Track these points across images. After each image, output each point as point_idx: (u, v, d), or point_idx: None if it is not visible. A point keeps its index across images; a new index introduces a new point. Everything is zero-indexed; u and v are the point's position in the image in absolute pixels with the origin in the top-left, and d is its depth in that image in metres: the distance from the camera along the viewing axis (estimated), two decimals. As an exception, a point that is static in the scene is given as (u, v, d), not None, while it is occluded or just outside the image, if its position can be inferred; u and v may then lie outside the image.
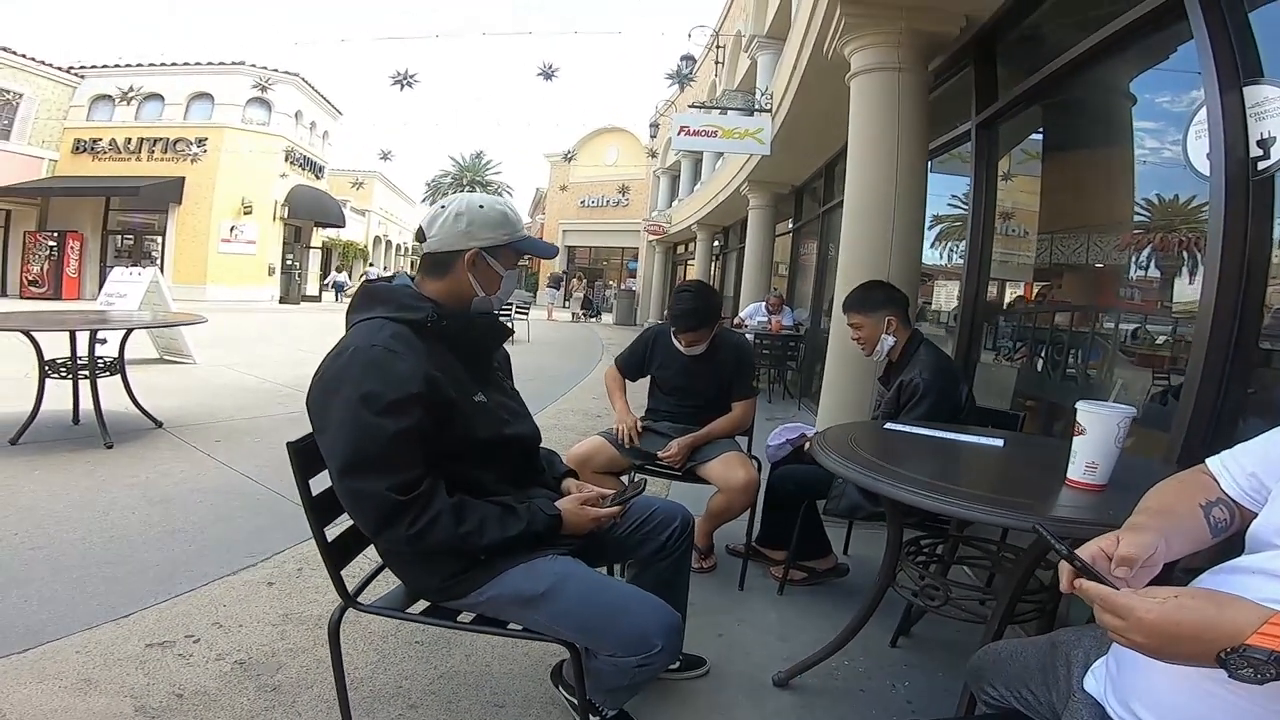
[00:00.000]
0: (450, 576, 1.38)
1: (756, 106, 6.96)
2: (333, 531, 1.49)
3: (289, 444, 1.41)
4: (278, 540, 2.73)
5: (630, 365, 2.93)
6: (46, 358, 3.98)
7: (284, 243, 19.59)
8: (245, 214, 17.58)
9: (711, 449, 2.66)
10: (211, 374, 6.55)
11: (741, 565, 2.64)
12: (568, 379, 8.00)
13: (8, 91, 15.56)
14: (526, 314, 13.40)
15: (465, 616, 1.46)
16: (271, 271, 18.83)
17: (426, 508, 1.26)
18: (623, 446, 2.67)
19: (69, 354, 3.95)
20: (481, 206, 1.44)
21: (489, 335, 1.54)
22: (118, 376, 4.22)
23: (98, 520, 2.79)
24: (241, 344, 8.71)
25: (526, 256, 1.56)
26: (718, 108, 7.60)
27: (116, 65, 17.44)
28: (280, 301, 18.85)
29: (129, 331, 4.35)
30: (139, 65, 17.49)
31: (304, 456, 1.41)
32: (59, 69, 16.76)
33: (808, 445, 2.50)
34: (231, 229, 17.49)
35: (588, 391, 7.18)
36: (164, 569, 2.40)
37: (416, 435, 1.27)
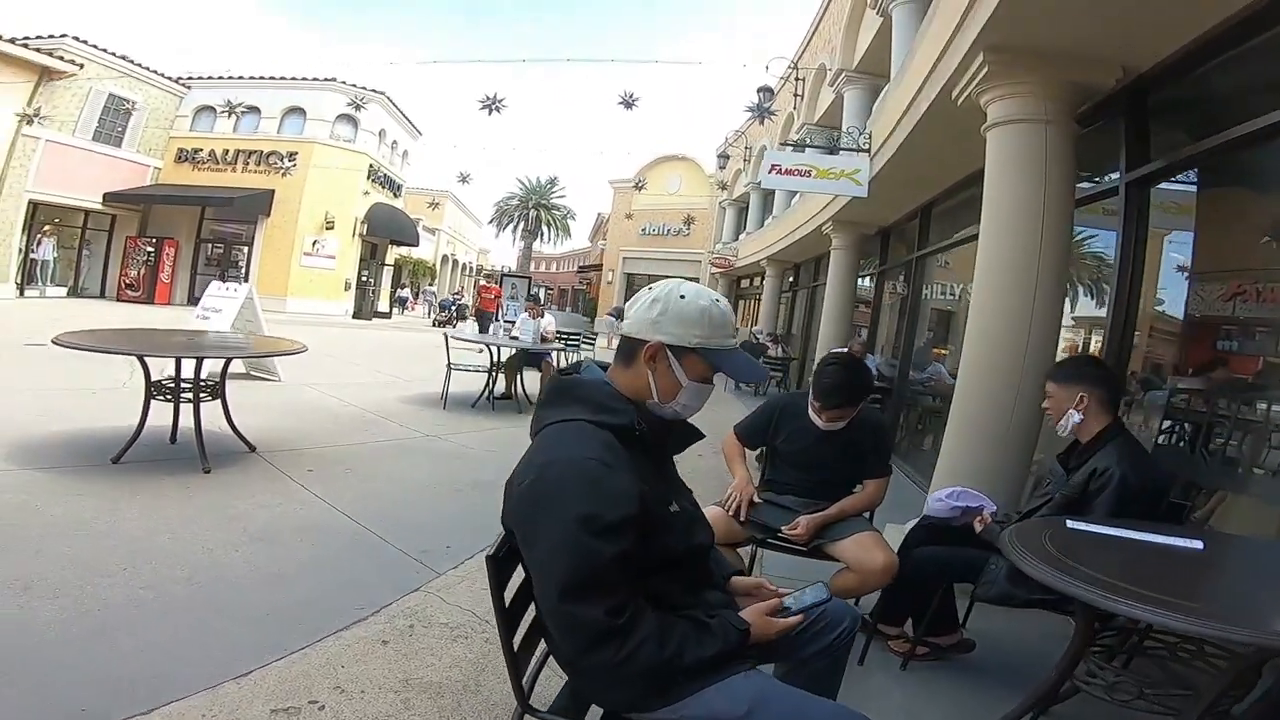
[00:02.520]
0: (641, 695, 1.25)
1: (854, 146, 6.73)
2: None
3: (489, 557, 1.31)
4: (384, 592, 2.65)
5: (751, 434, 2.81)
6: (153, 378, 4.04)
7: (361, 259, 20.10)
8: (328, 229, 18.10)
9: (843, 527, 2.51)
10: (295, 393, 6.65)
11: (864, 641, 2.46)
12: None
13: (126, 100, 16.34)
14: (593, 346, 13.38)
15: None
16: (348, 287, 19.30)
17: (634, 632, 1.17)
18: (739, 519, 2.56)
19: (173, 376, 4.01)
20: (682, 297, 1.31)
21: (683, 440, 1.43)
22: (218, 400, 4.26)
23: (203, 558, 2.74)
24: (324, 362, 8.78)
25: (710, 369, 1.35)
26: (814, 146, 7.44)
27: (220, 77, 18.29)
28: (354, 316, 19.28)
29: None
30: (240, 78, 18.28)
31: (502, 571, 1.33)
32: (169, 79, 17.53)
33: (980, 526, 2.35)
34: (314, 243, 18.02)
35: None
36: (275, 619, 2.33)
37: (629, 556, 1.19)
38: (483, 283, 20.16)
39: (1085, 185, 3.96)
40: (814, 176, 6.74)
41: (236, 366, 6.99)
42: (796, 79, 11.66)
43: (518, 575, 1.35)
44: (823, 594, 1.47)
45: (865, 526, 2.54)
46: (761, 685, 1.28)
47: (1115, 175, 3.69)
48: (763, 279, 16.09)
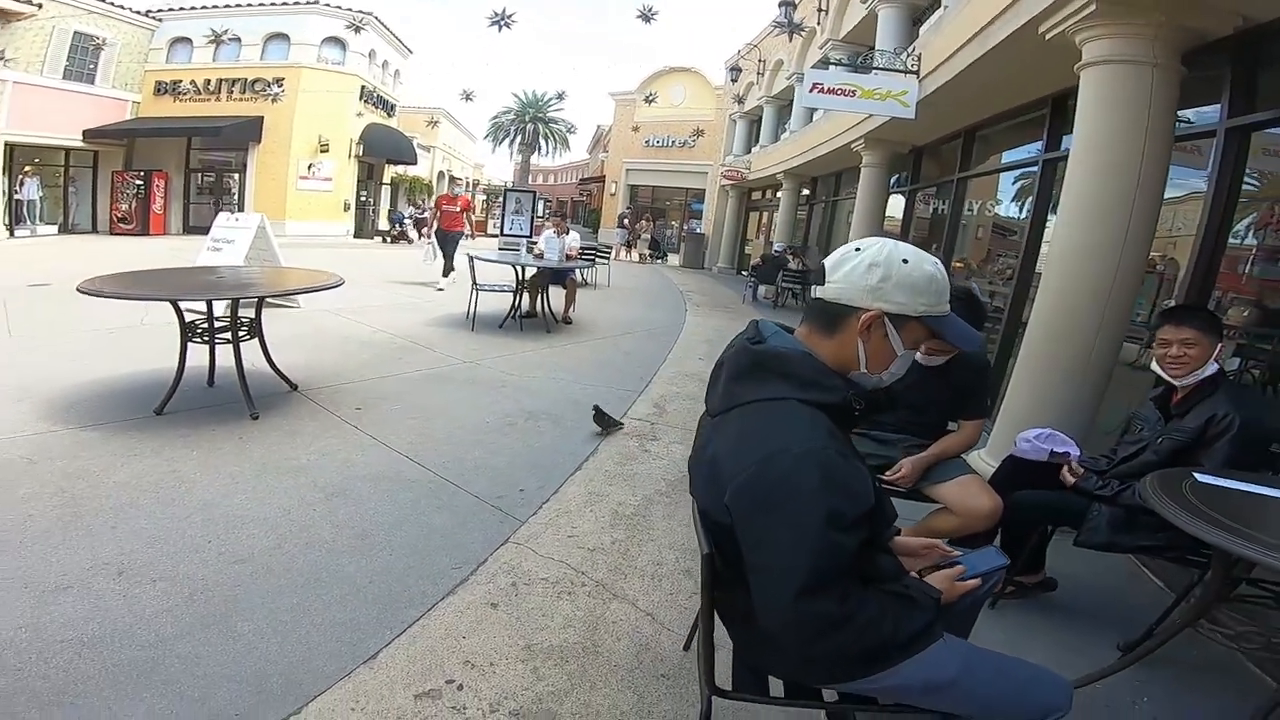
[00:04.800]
0: (851, 672, 1.21)
1: (901, 67, 6.35)
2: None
3: (705, 556, 1.23)
4: (474, 546, 2.54)
5: None
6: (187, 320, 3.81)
7: (358, 180, 19.64)
8: (322, 152, 17.54)
9: (944, 469, 2.38)
10: (319, 321, 6.43)
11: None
12: (665, 334, 7.67)
13: (94, 37, 15.61)
14: (609, 259, 13.04)
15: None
16: (347, 207, 18.94)
17: (858, 616, 1.11)
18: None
19: (207, 316, 3.79)
20: (905, 261, 1.18)
21: (877, 410, 1.28)
22: (256, 339, 4.05)
23: (281, 519, 2.60)
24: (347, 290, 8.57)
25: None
26: (842, 65, 7.00)
27: (193, 8, 17.41)
28: (354, 236, 19.04)
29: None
30: (215, 7, 17.39)
31: (715, 569, 1.25)
32: (137, 13, 16.76)
33: (1073, 478, 2.30)
34: (309, 167, 17.48)
35: (690, 351, 6.85)
36: (378, 586, 2.20)
37: (863, 545, 1.14)
38: (447, 193, 12.07)
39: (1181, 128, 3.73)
40: (858, 96, 6.45)
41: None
42: None
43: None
44: (1001, 559, 1.51)
45: (966, 469, 2.41)
46: (962, 649, 1.26)
47: (1214, 118, 3.54)
48: (776, 192, 15.55)
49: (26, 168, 14.95)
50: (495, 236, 18.68)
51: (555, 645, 2.01)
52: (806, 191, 14.61)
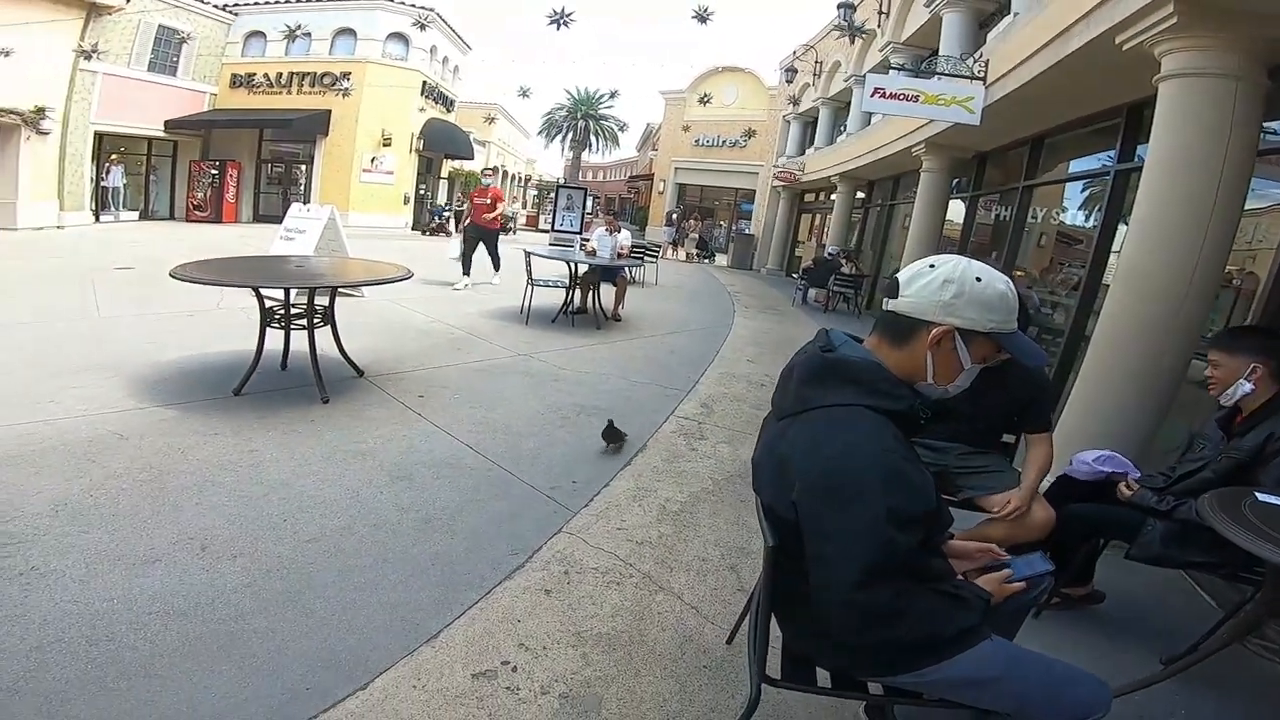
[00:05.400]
0: (899, 664, 1.28)
1: (967, 73, 6.24)
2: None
3: (769, 548, 1.31)
4: (530, 534, 2.65)
5: None
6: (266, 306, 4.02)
7: (418, 173, 20.15)
8: (385, 146, 18.06)
9: (996, 479, 2.35)
10: (381, 309, 6.69)
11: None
12: (713, 334, 7.66)
13: (177, 31, 16.37)
14: (657, 257, 13.10)
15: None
16: (406, 200, 19.44)
17: (911, 610, 1.17)
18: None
19: (285, 304, 4.00)
20: (979, 279, 1.24)
21: (941, 419, 1.32)
22: (329, 327, 4.26)
23: (350, 501, 2.75)
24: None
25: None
26: (904, 70, 6.88)
27: (267, 2, 18.09)
28: (412, 229, 19.57)
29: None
30: (287, 1, 18.00)
31: (777, 556, 1.32)
32: (216, 7, 17.51)
33: (1129, 492, 2.31)
34: (373, 160, 18.03)
35: (738, 352, 6.85)
36: (440, 569, 2.32)
37: (922, 544, 1.21)
38: (484, 184, 9.73)
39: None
40: (921, 102, 6.30)
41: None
42: None
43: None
44: (1045, 565, 1.56)
45: (1019, 480, 2.36)
46: (1008, 648, 1.31)
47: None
48: (830, 194, 15.34)
49: (113, 156, 15.83)
50: (546, 232, 18.99)
51: (603, 633, 2.09)
52: (862, 195, 14.37)
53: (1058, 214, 6.55)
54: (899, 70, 7.38)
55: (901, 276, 1.28)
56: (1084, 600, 2.52)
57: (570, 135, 39.92)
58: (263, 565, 2.24)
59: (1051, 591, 2.35)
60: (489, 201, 9.17)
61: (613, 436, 3.57)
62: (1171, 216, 3.21)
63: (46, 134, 13.08)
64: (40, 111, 12.78)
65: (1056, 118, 6.02)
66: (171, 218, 17.27)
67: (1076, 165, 6.25)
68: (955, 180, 8.91)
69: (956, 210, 9.16)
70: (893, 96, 6.34)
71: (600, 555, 2.55)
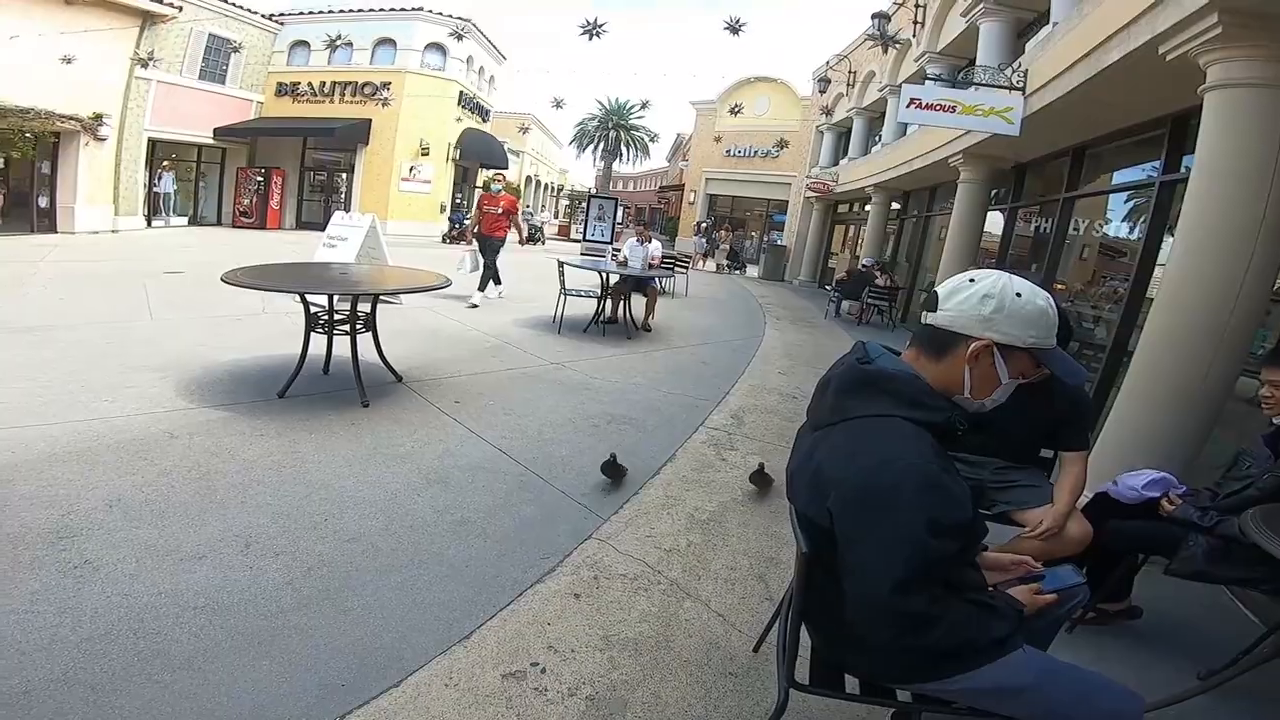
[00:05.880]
0: (930, 672, 1.30)
1: (1006, 83, 6.19)
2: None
3: (803, 555, 1.33)
4: (561, 538, 2.70)
5: None
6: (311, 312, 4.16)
7: (454, 182, 20.49)
8: (423, 155, 18.42)
9: (1031, 494, 2.32)
10: (417, 316, 6.84)
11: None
12: (743, 346, 7.64)
13: (227, 40, 16.93)
14: (687, 268, 13.12)
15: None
16: (443, 209, 19.76)
17: (944, 617, 1.18)
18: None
19: (328, 310, 4.13)
20: (1019, 295, 1.25)
21: (978, 431, 1.36)
22: (370, 333, 4.38)
23: (388, 503, 2.83)
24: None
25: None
26: (939, 80, 6.84)
27: (310, 12, 18.63)
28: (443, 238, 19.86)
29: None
30: (329, 12, 18.52)
31: (811, 566, 1.34)
32: (264, 17, 18.04)
33: (1171, 507, 2.28)
34: (410, 169, 18.40)
35: (769, 364, 6.82)
36: (475, 572, 2.37)
37: (959, 553, 1.22)
38: (491, 191, 8.50)
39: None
40: (959, 112, 6.33)
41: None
42: (917, 5, 10.75)
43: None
44: (1076, 577, 1.58)
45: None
46: (1039, 659, 1.31)
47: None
48: (865, 205, 15.22)
49: (165, 162, 16.42)
50: (578, 242, 19.13)
51: (631, 638, 2.12)
52: (897, 205, 14.22)
53: (1100, 226, 6.42)
54: (935, 80, 7.31)
55: (941, 290, 1.30)
56: (1120, 616, 2.50)
57: (602, 145, 40.24)
58: (303, 563, 2.32)
59: (1087, 606, 2.35)
60: (500, 211, 8.19)
61: (613, 472, 3.26)
62: (1219, 228, 3.15)
63: (104, 140, 13.64)
64: (98, 118, 13.33)
65: (1099, 128, 5.93)
66: (219, 223, 17.83)
67: (1120, 176, 6.14)
68: (994, 191, 8.79)
69: (995, 222, 9.02)
70: (929, 107, 6.31)
71: (629, 562, 2.58)
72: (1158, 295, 3.56)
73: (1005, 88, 6.18)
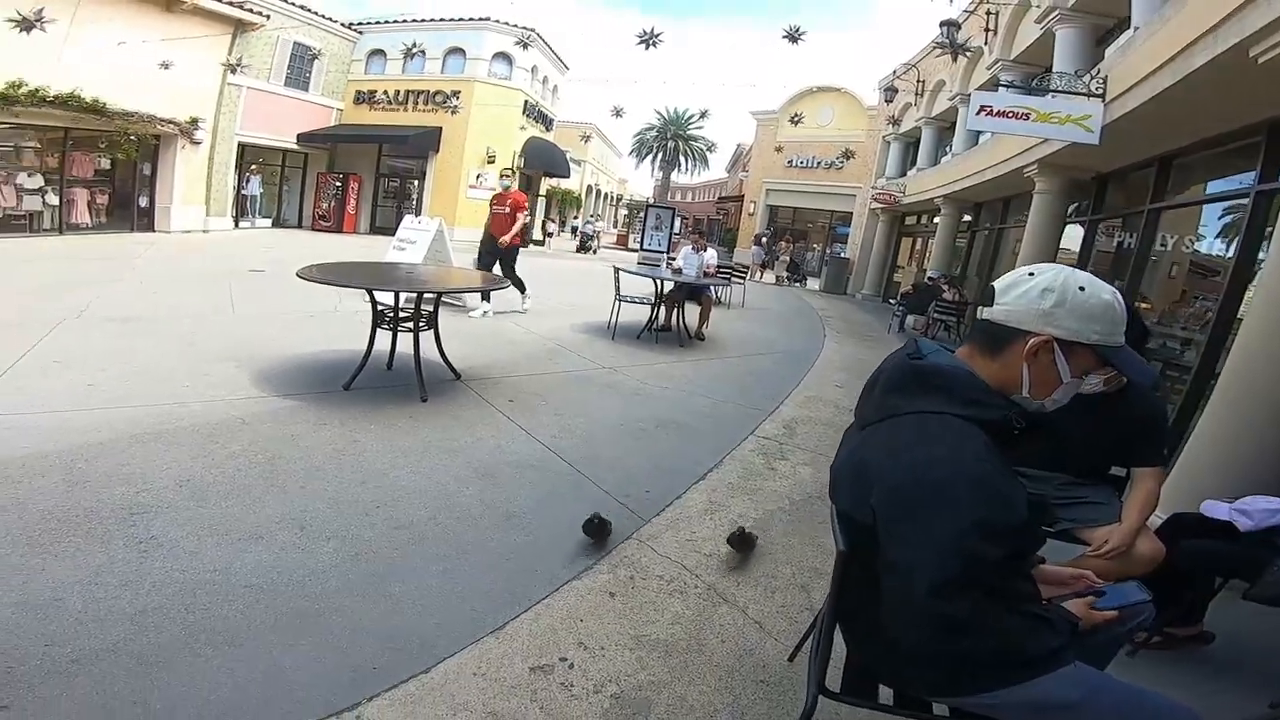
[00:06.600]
0: (972, 683, 1.19)
1: (1084, 90, 5.94)
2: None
3: (840, 554, 1.30)
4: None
5: None
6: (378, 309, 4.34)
7: (519, 190, 20.85)
8: (489, 163, 18.89)
9: (1097, 511, 2.20)
10: (479, 319, 7.03)
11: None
12: (800, 358, 7.51)
13: (309, 48, 17.85)
14: (744, 279, 13.02)
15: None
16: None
17: (988, 625, 1.09)
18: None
19: (393, 307, 4.29)
20: (1082, 289, 1.18)
21: (1037, 429, 1.24)
22: (432, 331, 4.53)
23: (438, 494, 2.91)
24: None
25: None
26: (1013, 87, 6.60)
27: (386, 21, 19.44)
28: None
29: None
30: (403, 21, 19.25)
31: (848, 564, 1.30)
32: (343, 25, 18.89)
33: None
34: (478, 176, 18.85)
35: (826, 378, 6.67)
36: (515, 564, 2.41)
37: (1008, 559, 1.13)
38: (503, 188, 7.71)
39: None
40: (1033, 120, 6.06)
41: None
42: (988, 13, 10.46)
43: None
44: (1141, 594, 1.48)
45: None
46: (1090, 675, 1.21)
47: None
48: (934, 217, 14.77)
49: (253, 166, 17.41)
50: (635, 251, 19.26)
51: (662, 639, 2.11)
52: (968, 218, 13.76)
53: (1191, 241, 6.03)
54: (1008, 87, 7.05)
55: (998, 284, 1.24)
56: (1191, 641, 2.35)
57: (660, 155, 40.45)
58: (352, 548, 2.40)
59: (1151, 629, 2.22)
60: (507, 211, 7.31)
61: (596, 532, 2.66)
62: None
63: (199, 144, 14.55)
64: (194, 122, 14.23)
65: (1188, 135, 5.60)
66: (299, 226, 18.77)
67: (1213, 187, 5.76)
68: (1073, 204, 8.39)
69: (1073, 236, 8.60)
70: (1001, 114, 6.09)
71: (667, 564, 2.57)
72: (1250, 310, 3.37)
73: (1084, 94, 5.91)
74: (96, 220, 13.21)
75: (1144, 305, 6.40)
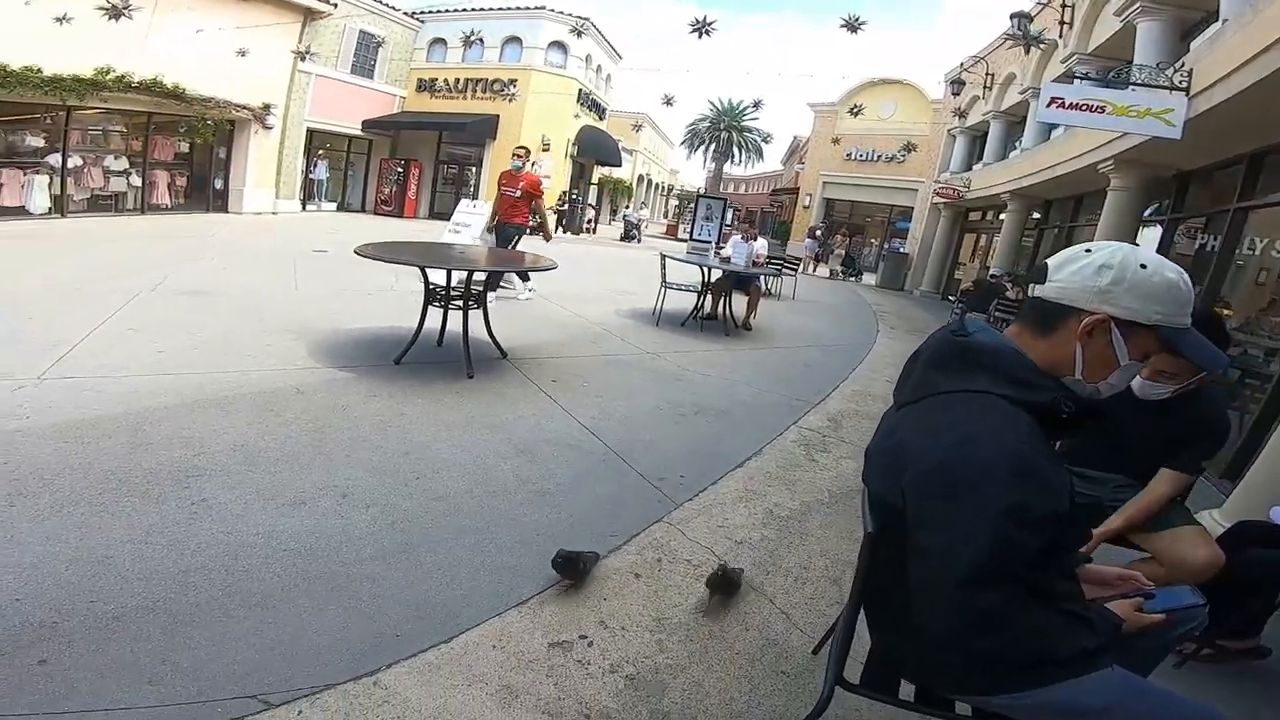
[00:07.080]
0: (1001, 682, 1.10)
1: (1166, 83, 5.60)
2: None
3: (867, 535, 1.25)
4: (632, 518, 2.73)
5: None
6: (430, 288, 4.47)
7: (571, 178, 21.11)
8: (544, 151, 19.02)
9: (1163, 517, 2.06)
10: (529, 303, 7.13)
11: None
12: (850, 352, 7.34)
13: (374, 36, 18.37)
14: (795, 271, 12.79)
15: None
16: (562, 203, 20.35)
17: (1020, 620, 1.02)
18: None
19: (445, 286, 4.40)
20: (1143, 266, 1.09)
21: (1089, 416, 1.16)
22: (481, 310, 4.63)
23: (477, 468, 2.97)
24: (548, 274, 9.28)
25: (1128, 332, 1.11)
26: (1089, 80, 6.27)
27: (446, 11, 19.84)
28: (563, 232, 20.51)
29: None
30: (462, 10, 19.59)
31: (876, 551, 1.26)
32: (406, 14, 19.32)
33: None
34: (533, 164, 19.06)
35: (877, 373, 6.49)
36: (545, 540, 2.44)
37: (1045, 550, 1.05)
38: (514, 168, 6.96)
39: None
40: (1109, 113, 5.77)
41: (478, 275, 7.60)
42: (1064, 5, 10.00)
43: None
44: (1194, 598, 1.40)
45: (1187, 518, 2.10)
46: (1127, 681, 1.14)
47: None
48: (1000, 213, 14.19)
49: (319, 151, 18.04)
50: (683, 241, 19.15)
51: (684, 622, 2.10)
52: (1037, 215, 13.17)
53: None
54: (1083, 79, 6.71)
55: (1052, 261, 1.17)
56: (1245, 655, 2.24)
57: (713, 146, 39.92)
58: (389, 517, 2.47)
59: (1202, 639, 2.11)
60: (518, 194, 6.86)
61: (570, 571, 2.20)
62: None
63: (270, 129, 15.20)
64: (267, 108, 14.87)
65: (1273, 133, 5.24)
66: (362, 210, 19.38)
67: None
68: (1152, 203, 7.94)
69: (1149, 237, 8.14)
70: (1074, 107, 5.79)
71: (696, 549, 2.56)
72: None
73: (1165, 88, 5.57)
74: (175, 201, 13.97)
75: (1225, 311, 6.00)
